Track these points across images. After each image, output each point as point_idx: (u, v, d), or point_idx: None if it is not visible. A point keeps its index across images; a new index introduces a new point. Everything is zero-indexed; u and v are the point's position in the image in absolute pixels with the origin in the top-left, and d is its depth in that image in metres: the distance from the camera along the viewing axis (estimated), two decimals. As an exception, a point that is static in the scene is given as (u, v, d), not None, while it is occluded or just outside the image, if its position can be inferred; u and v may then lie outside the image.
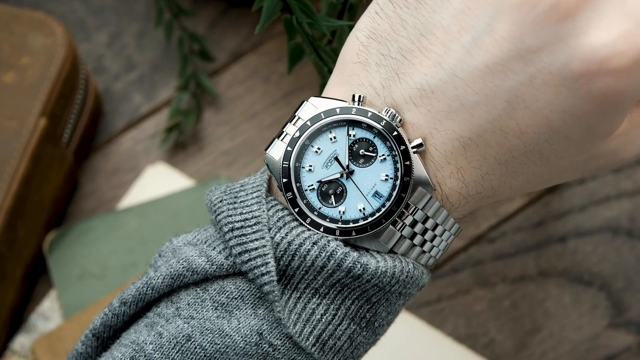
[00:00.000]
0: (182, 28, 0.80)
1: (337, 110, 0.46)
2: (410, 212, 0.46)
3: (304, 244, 0.45)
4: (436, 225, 0.46)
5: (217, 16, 0.83)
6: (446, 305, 0.72)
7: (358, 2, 0.57)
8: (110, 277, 0.73)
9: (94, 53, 0.82)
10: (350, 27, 0.57)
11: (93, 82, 0.79)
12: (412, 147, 0.45)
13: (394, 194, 0.45)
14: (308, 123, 0.46)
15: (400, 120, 0.45)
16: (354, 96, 0.45)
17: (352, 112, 0.45)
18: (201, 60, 0.81)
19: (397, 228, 0.46)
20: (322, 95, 0.47)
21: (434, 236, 0.47)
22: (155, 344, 0.46)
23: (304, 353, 0.46)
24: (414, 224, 0.46)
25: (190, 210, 0.75)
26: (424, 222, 0.46)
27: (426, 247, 0.47)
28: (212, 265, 0.46)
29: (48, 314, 0.73)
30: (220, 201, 0.47)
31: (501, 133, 0.44)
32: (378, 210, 0.45)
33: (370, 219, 0.45)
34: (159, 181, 0.77)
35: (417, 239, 0.46)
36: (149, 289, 0.47)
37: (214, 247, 0.47)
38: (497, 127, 0.44)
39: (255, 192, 0.47)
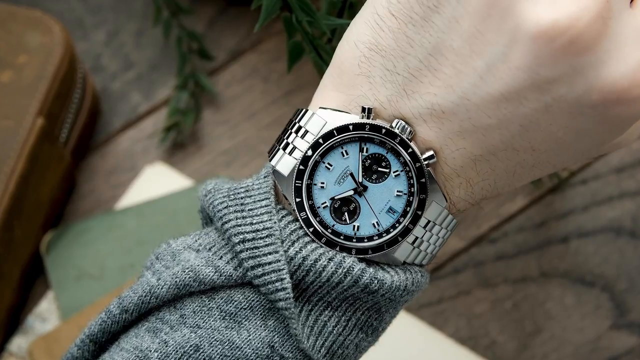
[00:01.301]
0: (180, 26, 0.80)
1: (350, 127, 0.45)
2: (423, 226, 0.46)
3: (320, 260, 0.45)
4: (440, 229, 0.47)
5: (216, 14, 0.83)
6: (447, 306, 0.72)
7: (358, 0, 0.57)
8: (108, 278, 0.73)
9: (91, 52, 0.82)
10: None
11: (91, 81, 0.79)
12: (424, 159, 0.45)
13: (410, 210, 0.45)
14: (320, 141, 0.46)
15: (411, 132, 0.45)
16: (363, 108, 0.45)
17: (366, 129, 0.45)
18: (200, 59, 0.81)
19: (411, 242, 0.46)
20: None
21: (435, 237, 0.47)
22: (160, 352, 0.45)
23: None
24: (425, 235, 0.46)
25: (189, 210, 0.75)
26: (431, 230, 0.46)
27: (424, 246, 0.47)
28: (220, 276, 0.46)
29: (45, 315, 0.73)
30: (226, 207, 0.47)
31: (513, 151, 0.44)
32: (393, 227, 0.46)
33: (385, 237, 0.45)
34: (157, 181, 0.77)
35: (425, 246, 0.47)
36: (152, 297, 0.47)
37: (221, 257, 0.46)
38: (510, 147, 0.44)
39: (263, 199, 0.46)
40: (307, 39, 0.57)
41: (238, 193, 0.47)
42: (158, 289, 0.46)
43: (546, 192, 0.75)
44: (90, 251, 0.74)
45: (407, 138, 0.44)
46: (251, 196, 0.47)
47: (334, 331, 0.46)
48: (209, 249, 0.47)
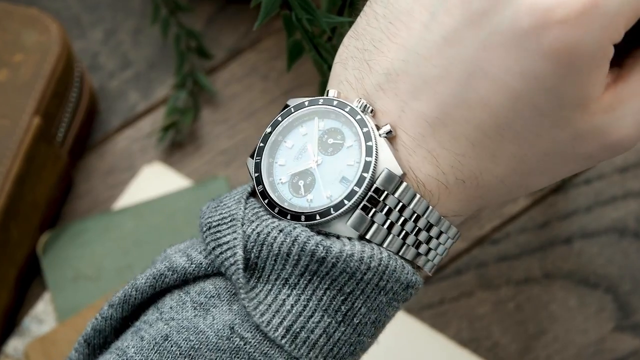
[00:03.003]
0: (179, 25, 0.80)
1: (306, 103, 0.47)
2: (380, 197, 0.45)
3: (271, 233, 0.45)
4: (418, 217, 0.46)
5: (214, 12, 0.83)
6: (449, 307, 0.72)
7: (359, -2, 0.57)
8: (105, 279, 0.73)
9: (89, 50, 0.82)
10: (351, 24, 0.57)
11: (88, 80, 0.79)
12: (382, 135, 0.45)
13: (358, 175, 0.45)
14: (279, 119, 0.47)
15: (372, 110, 0.45)
16: (327, 92, 0.46)
17: (319, 103, 0.46)
18: (198, 57, 0.81)
19: (367, 213, 0.45)
20: None
21: (418, 230, 0.46)
22: (136, 347, 0.46)
23: (276, 347, 0.45)
24: (385, 209, 0.45)
25: (187, 210, 0.75)
26: (400, 211, 0.45)
27: (410, 240, 0.46)
28: (191, 264, 0.47)
29: (42, 316, 0.73)
30: (207, 207, 0.48)
31: (466, 107, 0.44)
32: (344, 193, 0.45)
33: (334, 202, 0.45)
34: (155, 181, 0.77)
35: (396, 229, 0.46)
36: (132, 289, 0.48)
37: (196, 249, 0.48)
38: (461, 101, 0.44)
39: (237, 195, 0.48)
40: (307, 37, 0.56)
41: (222, 195, 0.49)
42: (138, 280, 0.48)
43: (549, 192, 0.75)
44: (87, 252, 0.74)
45: (363, 112, 0.45)
46: (230, 195, 0.48)
47: (293, 310, 0.45)
48: (191, 246, 0.48)
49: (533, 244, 0.73)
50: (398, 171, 0.45)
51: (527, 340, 0.71)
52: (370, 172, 0.45)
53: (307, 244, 0.44)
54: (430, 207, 0.46)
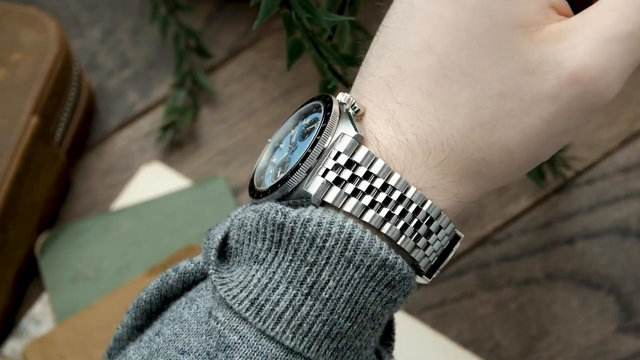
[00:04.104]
0: (178, 24, 0.80)
1: (301, 109, 0.48)
2: (333, 157, 0.45)
3: (246, 213, 0.46)
4: (386, 185, 0.44)
5: (214, 11, 0.83)
6: (450, 309, 0.72)
7: (359, -4, 0.57)
8: (104, 280, 0.73)
9: (87, 49, 0.82)
10: (351, 23, 0.57)
11: (86, 79, 0.79)
12: (347, 110, 0.46)
13: (312, 139, 0.45)
14: (277, 129, 0.49)
15: (354, 103, 0.46)
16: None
17: (306, 103, 0.48)
18: (198, 56, 0.81)
19: (322, 175, 0.45)
20: None
21: (388, 200, 0.44)
22: (134, 348, 0.47)
23: (244, 321, 0.44)
24: (342, 172, 0.44)
25: (186, 211, 0.75)
26: (366, 177, 0.44)
27: (378, 209, 0.44)
28: (191, 263, 0.48)
29: (40, 317, 0.73)
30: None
31: (413, 54, 0.44)
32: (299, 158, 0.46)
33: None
34: (154, 181, 0.77)
35: (359, 195, 0.44)
36: (143, 292, 0.49)
37: (201, 255, 0.49)
38: (409, 49, 0.44)
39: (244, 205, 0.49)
40: (307, 36, 0.56)
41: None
42: (149, 285, 0.49)
43: (551, 192, 0.75)
44: (85, 252, 0.74)
45: (352, 112, 0.46)
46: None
47: (259, 284, 0.44)
48: None
49: (535, 244, 0.73)
50: (351, 132, 0.44)
51: (529, 342, 0.70)
52: (323, 135, 0.45)
53: (269, 214, 0.44)
54: (397, 174, 0.44)
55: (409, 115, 0.44)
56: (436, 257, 0.46)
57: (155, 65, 0.82)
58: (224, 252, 0.47)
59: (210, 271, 0.46)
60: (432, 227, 0.45)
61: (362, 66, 0.47)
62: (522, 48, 0.42)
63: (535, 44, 0.42)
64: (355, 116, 0.45)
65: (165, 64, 0.82)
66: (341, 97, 0.46)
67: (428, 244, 0.46)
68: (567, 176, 0.74)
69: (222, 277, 0.45)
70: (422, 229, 0.45)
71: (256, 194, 0.47)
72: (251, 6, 0.55)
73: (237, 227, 0.46)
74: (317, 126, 0.46)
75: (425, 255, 0.46)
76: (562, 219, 0.74)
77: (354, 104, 0.45)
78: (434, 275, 0.47)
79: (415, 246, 0.45)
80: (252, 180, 0.48)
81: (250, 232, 0.45)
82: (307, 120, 0.47)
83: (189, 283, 0.48)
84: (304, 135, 0.47)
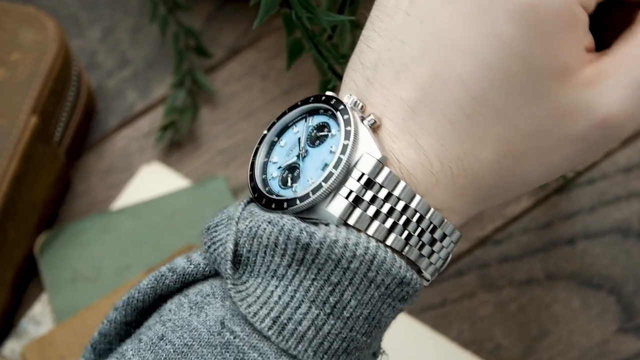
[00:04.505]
0: (177, 23, 0.80)
1: (299, 103, 0.47)
2: (357, 178, 0.45)
3: (261, 225, 0.45)
4: (406, 207, 0.45)
5: (213, 11, 0.83)
6: (450, 309, 0.72)
7: (360, -4, 0.57)
8: (103, 280, 0.73)
9: (86, 49, 0.82)
10: (351, 22, 0.57)
11: (86, 78, 0.79)
12: (365, 124, 0.45)
13: (336, 158, 0.45)
14: (275, 120, 0.48)
15: (362, 106, 0.45)
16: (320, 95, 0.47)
17: (310, 101, 0.47)
18: (197, 56, 0.81)
19: (345, 196, 0.45)
20: None
21: (407, 221, 0.45)
22: (134, 349, 0.46)
23: (265, 339, 0.45)
24: (366, 194, 0.44)
25: (186, 211, 0.75)
26: (386, 199, 0.44)
27: (398, 230, 0.45)
28: (190, 264, 0.47)
29: (39, 318, 0.73)
30: (214, 215, 0.49)
31: (442, 85, 0.43)
32: (322, 177, 0.45)
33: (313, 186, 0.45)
34: (153, 181, 0.77)
35: (382, 217, 0.45)
36: (135, 291, 0.48)
37: (198, 252, 0.48)
38: (437, 79, 0.43)
39: (239, 201, 0.48)
40: (307, 36, 0.56)
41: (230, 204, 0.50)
42: (141, 283, 0.48)
43: (552, 193, 0.75)
44: (85, 252, 0.74)
45: (359, 111, 0.45)
46: (235, 203, 0.49)
47: (280, 301, 0.44)
48: (195, 251, 0.49)
49: (535, 244, 0.73)
50: (377, 154, 0.44)
51: (530, 342, 0.70)
52: (347, 155, 0.44)
53: (292, 232, 0.44)
54: (419, 197, 0.45)
55: (434, 141, 0.44)
56: (442, 263, 0.48)
57: (154, 65, 0.82)
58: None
59: (229, 286, 0.45)
60: (445, 242, 0.47)
61: (371, 68, 0.46)
62: (557, 93, 0.43)
63: (570, 89, 0.43)
64: (371, 127, 0.45)
65: (164, 64, 0.81)
66: (347, 100, 0.46)
67: (433, 252, 0.47)
68: (567, 176, 0.74)
69: (240, 292, 0.45)
70: (437, 247, 0.47)
71: (265, 201, 0.46)
72: (251, 5, 0.55)
73: (249, 236, 0.45)
74: (336, 141, 0.45)
75: (431, 263, 0.47)
76: (563, 219, 0.74)
77: (373, 122, 0.45)
78: (433, 277, 0.48)
79: (421, 255, 0.47)
80: (252, 179, 0.47)
81: (266, 246, 0.45)
82: (313, 122, 0.47)
83: (188, 283, 0.48)
84: (313, 141, 0.46)
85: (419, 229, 0.46)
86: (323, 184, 0.44)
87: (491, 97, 0.43)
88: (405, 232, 0.45)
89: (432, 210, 0.45)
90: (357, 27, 0.62)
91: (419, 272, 0.47)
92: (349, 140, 0.45)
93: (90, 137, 0.80)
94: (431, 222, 0.46)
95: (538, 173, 0.46)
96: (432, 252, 0.47)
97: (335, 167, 0.44)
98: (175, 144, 0.79)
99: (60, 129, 0.76)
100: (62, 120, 0.76)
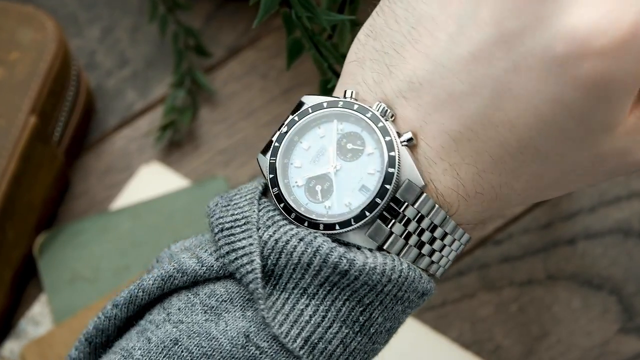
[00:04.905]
0: (177, 22, 0.80)
1: (325, 104, 0.46)
2: (400, 208, 0.44)
3: (291, 241, 0.44)
4: (435, 227, 0.45)
5: (213, 10, 0.83)
6: (451, 309, 0.71)
7: (360, -5, 0.57)
8: (102, 281, 0.73)
9: (85, 48, 0.82)
10: (352, 22, 0.56)
11: (85, 78, 0.79)
12: (402, 142, 0.44)
13: (379, 185, 0.44)
14: (296, 119, 0.46)
15: (393, 115, 0.45)
16: (345, 92, 0.45)
17: (339, 106, 0.45)
18: (197, 55, 0.81)
19: (386, 224, 0.45)
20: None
21: (434, 239, 0.46)
22: (143, 350, 0.45)
23: (292, 356, 0.45)
24: (404, 220, 0.45)
25: (185, 211, 0.74)
26: (418, 222, 0.45)
27: (425, 249, 0.46)
28: (202, 266, 0.46)
29: (38, 318, 0.73)
30: (216, 205, 0.47)
31: (491, 125, 0.43)
32: (364, 204, 0.45)
33: (355, 213, 0.45)
34: (153, 181, 0.77)
35: (413, 240, 0.45)
36: (139, 290, 0.47)
37: (206, 250, 0.47)
38: (486, 119, 0.43)
39: (249, 194, 0.47)
40: (306, 35, 0.56)
41: (230, 192, 0.48)
42: (145, 281, 0.47)
43: (552, 193, 0.75)
44: (84, 253, 0.74)
45: (387, 119, 0.44)
46: (239, 193, 0.47)
47: (312, 321, 0.44)
48: (199, 246, 0.48)
49: (536, 244, 0.73)
50: (420, 182, 0.44)
51: (530, 343, 0.70)
52: (393, 185, 0.44)
53: (329, 256, 0.44)
54: (453, 222, 0.46)
55: (472, 172, 0.44)
56: (449, 264, 0.48)
57: (154, 65, 0.81)
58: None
59: (261, 307, 0.44)
60: (454, 246, 0.48)
61: (405, 82, 0.44)
62: (603, 142, 0.44)
63: (615, 138, 0.44)
64: (407, 145, 0.45)
65: (164, 63, 0.81)
66: (375, 107, 0.45)
67: (448, 260, 0.48)
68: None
69: (269, 308, 0.45)
70: (446, 251, 0.47)
71: (294, 216, 0.45)
72: (250, 5, 0.54)
73: (274, 249, 0.45)
74: (377, 164, 0.45)
75: (440, 266, 0.48)
76: (564, 220, 0.74)
77: (410, 139, 0.44)
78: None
79: (439, 266, 0.47)
80: (275, 184, 0.46)
81: (297, 263, 0.44)
82: (343, 129, 0.46)
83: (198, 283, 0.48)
84: (344, 152, 0.45)
85: (445, 248, 0.47)
86: (367, 213, 0.44)
87: (539, 143, 0.43)
88: (436, 254, 0.46)
89: (460, 230, 0.46)
90: (357, 26, 0.62)
91: (429, 275, 0.48)
92: (394, 168, 0.44)
93: (90, 137, 0.80)
94: (461, 244, 0.47)
95: (556, 194, 0.47)
96: (448, 260, 0.48)
97: (381, 197, 0.44)
98: (175, 143, 0.79)
99: (60, 129, 0.76)
100: (61, 120, 0.76)
